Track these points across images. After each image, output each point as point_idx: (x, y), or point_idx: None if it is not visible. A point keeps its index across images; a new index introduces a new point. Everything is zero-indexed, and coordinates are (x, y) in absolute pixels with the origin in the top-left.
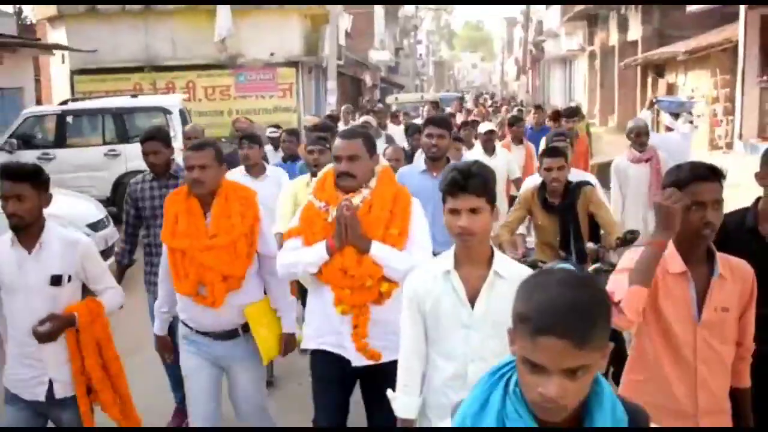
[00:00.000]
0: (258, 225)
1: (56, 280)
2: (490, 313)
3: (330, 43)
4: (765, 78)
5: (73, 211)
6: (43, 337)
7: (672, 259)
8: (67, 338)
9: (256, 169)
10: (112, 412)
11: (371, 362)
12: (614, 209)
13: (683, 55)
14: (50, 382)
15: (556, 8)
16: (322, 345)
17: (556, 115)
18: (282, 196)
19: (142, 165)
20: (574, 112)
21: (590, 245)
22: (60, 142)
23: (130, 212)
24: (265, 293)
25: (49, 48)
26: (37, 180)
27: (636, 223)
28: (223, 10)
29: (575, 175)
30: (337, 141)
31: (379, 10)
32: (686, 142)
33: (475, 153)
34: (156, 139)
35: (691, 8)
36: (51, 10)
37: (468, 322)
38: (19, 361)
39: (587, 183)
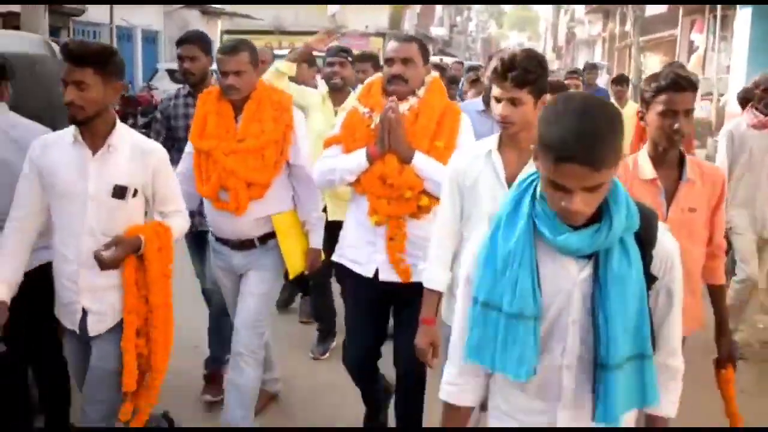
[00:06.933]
0: (291, 133)
1: (120, 192)
2: None
3: (410, 22)
4: None
5: None
6: (107, 264)
7: (643, 166)
8: (125, 265)
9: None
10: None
11: (398, 280)
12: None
13: (642, 42)
14: (84, 312)
15: None
16: (351, 262)
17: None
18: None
19: None
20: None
21: None
22: None
23: (160, 132)
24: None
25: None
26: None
27: (751, 213)
28: None
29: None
30: (391, 43)
31: None
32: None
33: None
34: (192, 42)
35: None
36: None
37: None
38: (58, 281)
39: None
